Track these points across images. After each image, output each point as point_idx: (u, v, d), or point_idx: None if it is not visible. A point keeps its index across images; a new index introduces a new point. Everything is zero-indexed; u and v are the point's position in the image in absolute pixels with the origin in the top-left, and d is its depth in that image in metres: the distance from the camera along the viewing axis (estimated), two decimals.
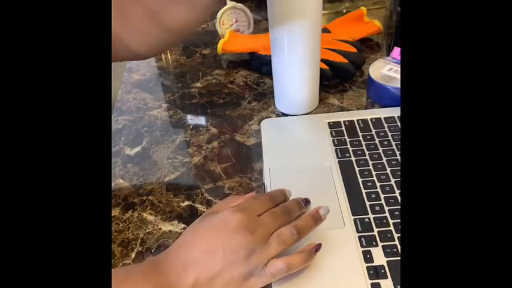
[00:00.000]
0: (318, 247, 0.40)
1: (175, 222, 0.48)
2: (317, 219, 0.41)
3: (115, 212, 0.50)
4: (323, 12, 0.83)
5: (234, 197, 0.42)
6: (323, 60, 0.61)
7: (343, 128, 0.55)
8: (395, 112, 0.57)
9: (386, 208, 0.45)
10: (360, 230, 0.43)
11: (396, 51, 0.61)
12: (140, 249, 0.46)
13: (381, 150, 0.52)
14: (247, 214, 0.38)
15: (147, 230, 0.47)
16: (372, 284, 0.39)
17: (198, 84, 0.69)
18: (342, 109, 0.60)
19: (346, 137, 0.54)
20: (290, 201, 0.42)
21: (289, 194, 0.44)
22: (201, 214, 0.48)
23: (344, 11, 0.85)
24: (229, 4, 0.74)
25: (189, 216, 0.48)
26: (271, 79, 0.60)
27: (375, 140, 0.53)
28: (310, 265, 0.41)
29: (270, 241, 0.37)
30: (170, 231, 0.47)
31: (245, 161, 0.54)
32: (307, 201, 0.43)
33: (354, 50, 0.66)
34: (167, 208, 0.50)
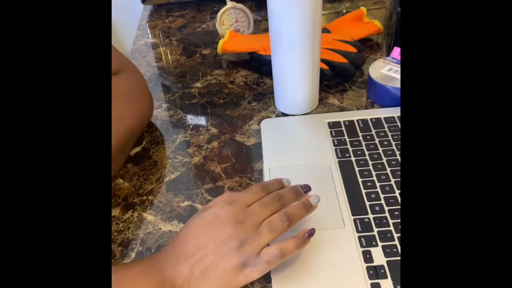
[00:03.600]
0: (311, 232, 0.39)
1: (175, 222, 0.48)
2: (308, 207, 0.41)
3: (115, 212, 0.50)
4: (323, 12, 0.83)
5: (229, 193, 0.42)
6: (323, 60, 0.61)
7: (343, 128, 0.55)
8: (395, 112, 0.57)
9: (386, 208, 0.45)
10: (360, 230, 0.43)
11: (396, 51, 0.61)
12: (140, 249, 0.46)
13: (381, 150, 0.52)
14: (236, 206, 0.38)
15: (147, 230, 0.47)
16: (371, 284, 0.39)
17: (198, 84, 0.69)
18: (342, 109, 0.60)
19: (346, 137, 0.54)
20: (286, 188, 0.42)
21: (288, 182, 0.43)
22: (196, 212, 0.48)
23: (344, 11, 0.85)
24: (229, 4, 0.74)
25: (189, 216, 0.48)
26: (271, 79, 0.60)
27: (374, 140, 0.53)
28: (310, 265, 0.41)
29: (261, 229, 0.38)
30: (170, 231, 0.47)
31: (245, 161, 0.54)
32: (306, 188, 0.42)
33: (354, 50, 0.66)
34: (167, 208, 0.50)
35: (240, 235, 0.37)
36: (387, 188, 0.47)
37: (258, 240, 0.37)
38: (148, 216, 0.49)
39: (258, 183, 0.42)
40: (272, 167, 0.51)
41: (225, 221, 0.37)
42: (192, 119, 0.62)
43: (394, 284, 0.39)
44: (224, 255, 0.36)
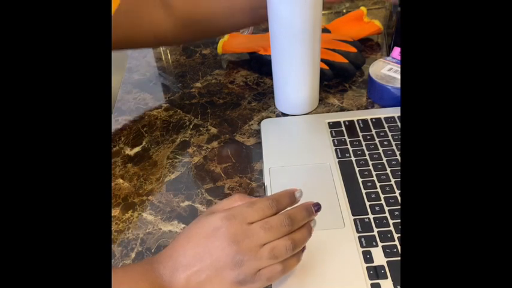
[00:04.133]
0: (304, 249, 0.39)
1: (175, 222, 0.48)
2: (310, 231, 0.38)
3: (115, 212, 0.50)
4: (323, 12, 0.83)
5: (239, 196, 0.39)
6: (323, 60, 0.61)
7: (343, 128, 0.55)
8: (395, 112, 0.57)
9: (386, 208, 0.45)
10: (360, 230, 0.43)
11: (396, 51, 0.61)
12: (140, 249, 0.46)
13: (381, 150, 0.52)
14: (236, 222, 0.36)
15: (147, 230, 0.47)
16: (372, 284, 0.39)
17: (198, 84, 0.69)
18: (342, 109, 0.60)
19: (346, 137, 0.54)
20: (297, 208, 0.38)
21: (301, 194, 0.39)
22: (200, 214, 0.48)
23: (344, 11, 0.85)
24: None
25: (189, 216, 0.48)
26: (271, 79, 0.60)
27: (375, 140, 0.53)
28: (310, 265, 0.41)
29: (262, 253, 0.35)
30: (170, 231, 0.47)
31: (245, 161, 0.54)
32: (317, 207, 0.39)
33: (354, 50, 0.66)
34: (167, 208, 0.50)
35: (236, 256, 0.35)
36: (387, 188, 0.47)
37: (256, 263, 0.35)
38: (148, 216, 0.49)
39: (267, 197, 0.38)
40: (272, 167, 0.51)
41: (222, 237, 0.35)
42: (192, 119, 0.62)
43: (394, 284, 0.39)
44: (219, 272, 0.35)
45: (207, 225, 0.37)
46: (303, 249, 0.39)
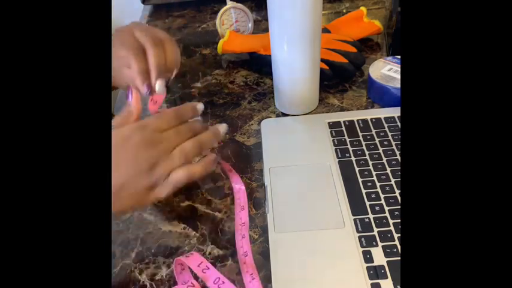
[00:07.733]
0: (215, 161, 0.43)
1: (175, 222, 0.48)
2: (217, 134, 0.44)
3: None
4: (323, 12, 0.83)
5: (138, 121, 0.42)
6: (323, 60, 0.61)
7: (343, 128, 0.55)
8: (395, 112, 0.57)
9: (386, 208, 0.45)
10: (360, 230, 0.43)
11: None
12: (140, 249, 0.46)
13: (381, 150, 0.52)
14: (148, 130, 0.39)
15: (147, 230, 0.47)
16: (372, 284, 0.39)
17: (198, 84, 0.69)
18: (342, 109, 0.60)
19: (346, 137, 0.54)
20: (194, 120, 0.44)
21: (201, 107, 0.45)
22: (201, 214, 0.48)
23: (344, 11, 0.85)
24: (229, 4, 0.74)
25: (189, 216, 0.48)
26: (271, 79, 0.60)
27: (375, 140, 0.53)
28: (310, 265, 0.41)
29: (173, 154, 0.39)
30: (170, 231, 0.47)
31: (245, 161, 0.54)
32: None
33: (354, 50, 0.66)
34: (167, 208, 0.50)
35: (152, 159, 0.38)
36: (387, 188, 0.47)
37: (170, 163, 0.39)
38: (148, 216, 0.49)
39: (171, 109, 0.43)
40: (272, 167, 0.51)
41: (137, 144, 0.38)
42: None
43: (394, 284, 0.39)
44: (134, 177, 0.38)
45: (116, 137, 0.39)
46: (211, 162, 0.43)
